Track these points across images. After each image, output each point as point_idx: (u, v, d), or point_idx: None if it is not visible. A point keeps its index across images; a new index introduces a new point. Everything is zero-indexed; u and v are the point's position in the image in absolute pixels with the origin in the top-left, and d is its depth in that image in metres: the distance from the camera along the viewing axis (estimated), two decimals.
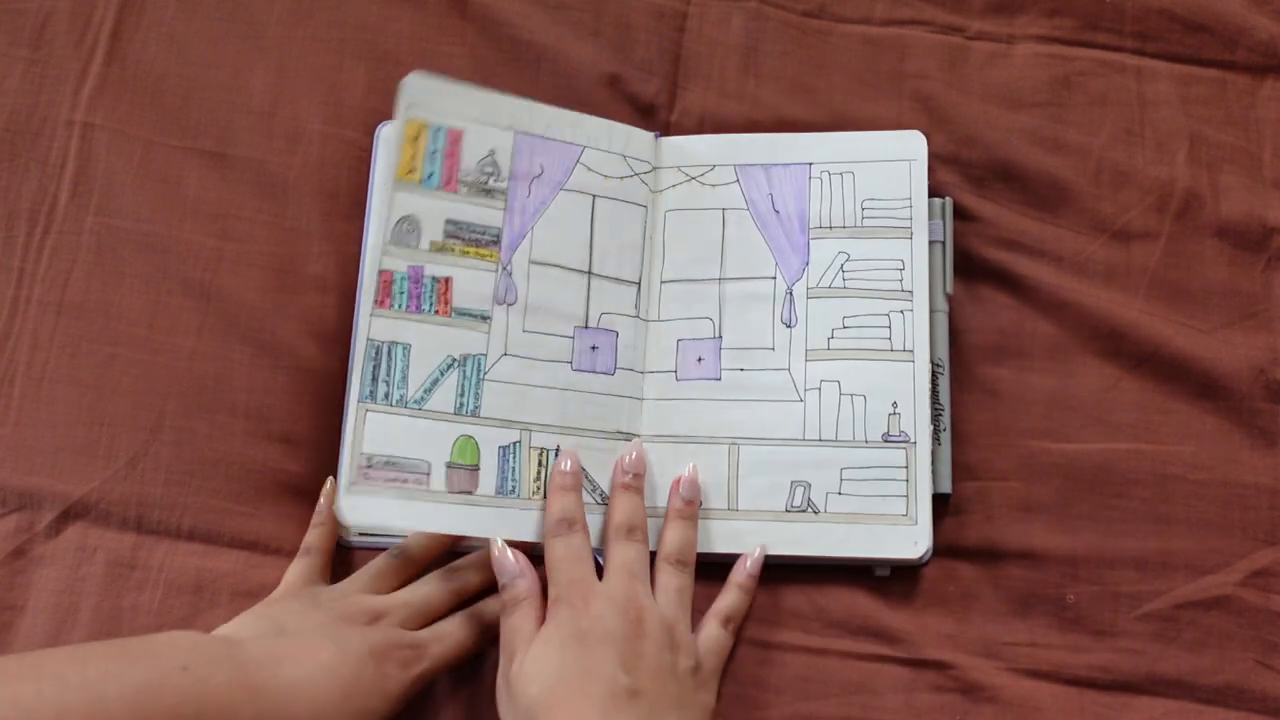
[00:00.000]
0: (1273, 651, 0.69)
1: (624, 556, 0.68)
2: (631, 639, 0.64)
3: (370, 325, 0.71)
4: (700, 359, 0.75)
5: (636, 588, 0.66)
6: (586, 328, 0.75)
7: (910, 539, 0.70)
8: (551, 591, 0.66)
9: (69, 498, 0.73)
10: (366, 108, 0.80)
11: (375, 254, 0.72)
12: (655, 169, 0.78)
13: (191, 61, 0.82)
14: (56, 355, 0.75)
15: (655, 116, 0.81)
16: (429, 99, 0.74)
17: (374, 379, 0.70)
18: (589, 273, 0.76)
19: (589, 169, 0.77)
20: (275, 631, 0.65)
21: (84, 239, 0.78)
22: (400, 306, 0.72)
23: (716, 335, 0.75)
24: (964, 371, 0.75)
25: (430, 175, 0.73)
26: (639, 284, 0.76)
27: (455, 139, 0.74)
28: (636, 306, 0.76)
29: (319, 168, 0.79)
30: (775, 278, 0.76)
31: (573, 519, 0.69)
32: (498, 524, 0.71)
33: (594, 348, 0.75)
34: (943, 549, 0.72)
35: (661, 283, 0.77)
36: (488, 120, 0.75)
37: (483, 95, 0.76)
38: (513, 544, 0.69)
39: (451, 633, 0.68)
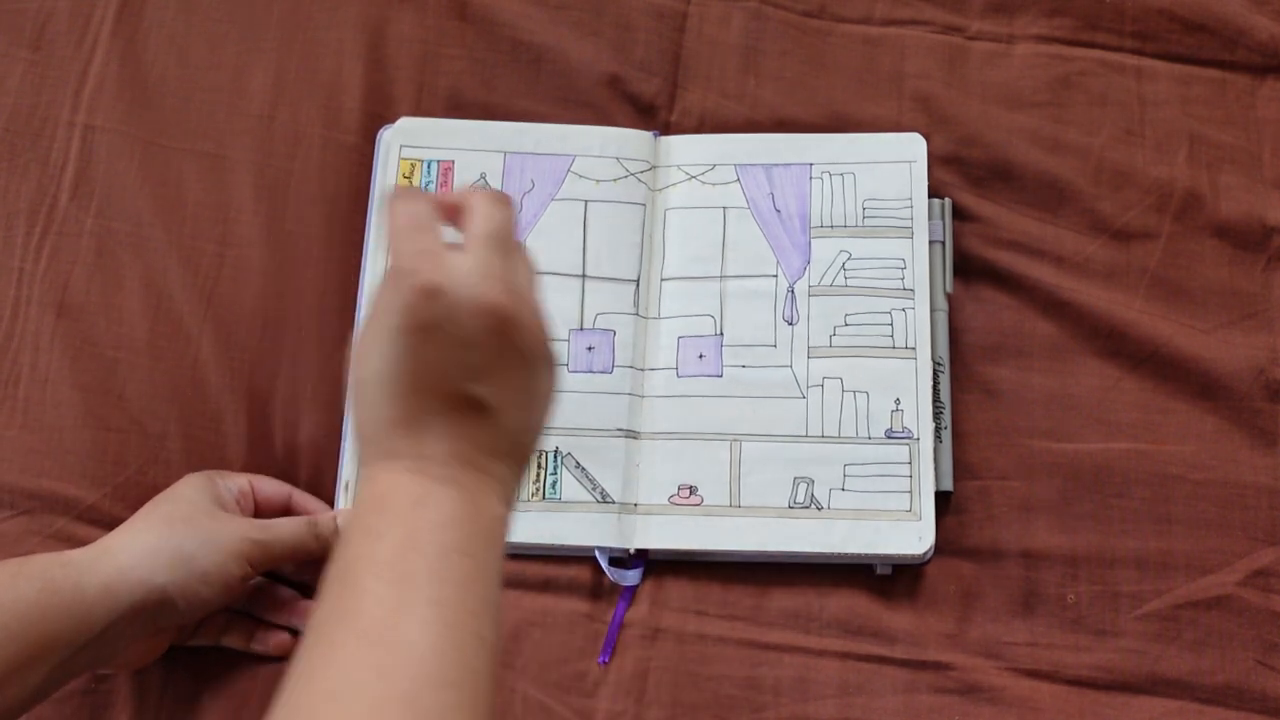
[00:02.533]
0: (1273, 651, 0.69)
1: None
2: None
3: None
4: (701, 355, 0.75)
5: None
6: (581, 329, 0.75)
7: (914, 535, 0.71)
8: None
9: (82, 502, 0.73)
10: (366, 111, 0.80)
11: (376, 282, 0.74)
12: (654, 168, 0.79)
13: (191, 63, 0.82)
14: (59, 358, 0.75)
15: (655, 116, 0.81)
16: (418, 138, 0.79)
17: None
18: (583, 276, 0.76)
19: (580, 176, 0.78)
20: None
21: (84, 241, 0.78)
22: None
23: (718, 332, 0.75)
24: (964, 371, 0.75)
25: None
26: (637, 282, 0.76)
27: (446, 169, 0.78)
28: (635, 304, 0.76)
29: (319, 171, 0.79)
30: (776, 276, 0.76)
31: None
32: None
33: (590, 348, 0.75)
34: (943, 548, 0.72)
35: (662, 280, 0.77)
36: (477, 146, 0.79)
37: (470, 126, 0.79)
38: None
39: (286, 525, 0.68)
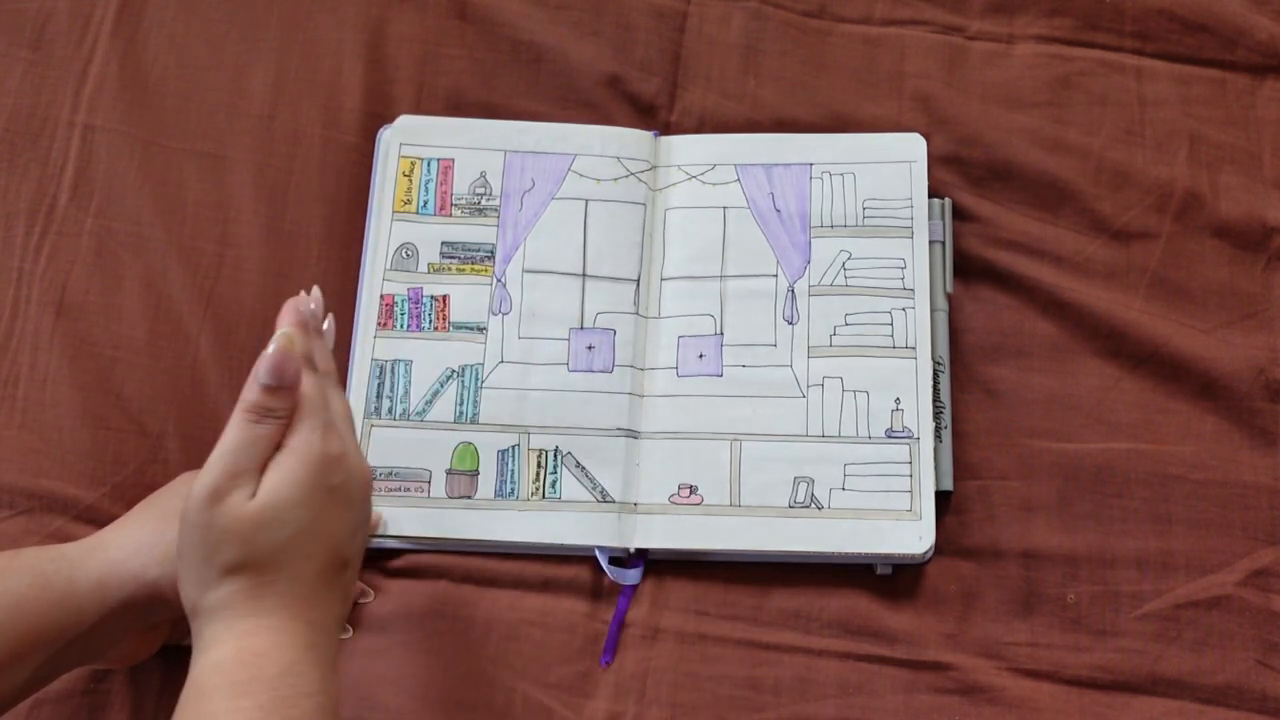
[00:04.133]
0: (1273, 651, 0.69)
1: None
2: None
3: (374, 346, 0.75)
4: (702, 355, 0.75)
5: None
6: (581, 329, 0.75)
7: (915, 534, 0.71)
8: None
9: (81, 502, 0.73)
10: (366, 111, 0.80)
11: (375, 280, 0.76)
12: (654, 168, 0.79)
13: (191, 63, 0.82)
14: (58, 358, 0.75)
15: (655, 116, 0.81)
16: (419, 136, 0.79)
17: (378, 396, 0.74)
18: (583, 275, 0.76)
19: (581, 175, 0.78)
20: None
21: (84, 241, 0.78)
22: (402, 327, 0.75)
23: (718, 332, 0.75)
24: (964, 371, 0.75)
25: (425, 204, 0.77)
26: (637, 281, 0.76)
27: (446, 167, 0.78)
28: (635, 304, 0.76)
29: (319, 171, 0.79)
30: (777, 275, 0.76)
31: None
32: (496, 525, 0.72)
33: (590, 347, 0.75)
34: (943, 548, 0.72)
35: (662, 280, 0.77)
36: (477, 145, 0.79)
37: (471, 125, 0.79)
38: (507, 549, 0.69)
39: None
